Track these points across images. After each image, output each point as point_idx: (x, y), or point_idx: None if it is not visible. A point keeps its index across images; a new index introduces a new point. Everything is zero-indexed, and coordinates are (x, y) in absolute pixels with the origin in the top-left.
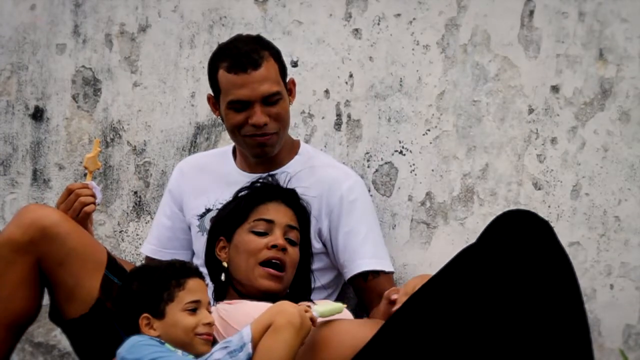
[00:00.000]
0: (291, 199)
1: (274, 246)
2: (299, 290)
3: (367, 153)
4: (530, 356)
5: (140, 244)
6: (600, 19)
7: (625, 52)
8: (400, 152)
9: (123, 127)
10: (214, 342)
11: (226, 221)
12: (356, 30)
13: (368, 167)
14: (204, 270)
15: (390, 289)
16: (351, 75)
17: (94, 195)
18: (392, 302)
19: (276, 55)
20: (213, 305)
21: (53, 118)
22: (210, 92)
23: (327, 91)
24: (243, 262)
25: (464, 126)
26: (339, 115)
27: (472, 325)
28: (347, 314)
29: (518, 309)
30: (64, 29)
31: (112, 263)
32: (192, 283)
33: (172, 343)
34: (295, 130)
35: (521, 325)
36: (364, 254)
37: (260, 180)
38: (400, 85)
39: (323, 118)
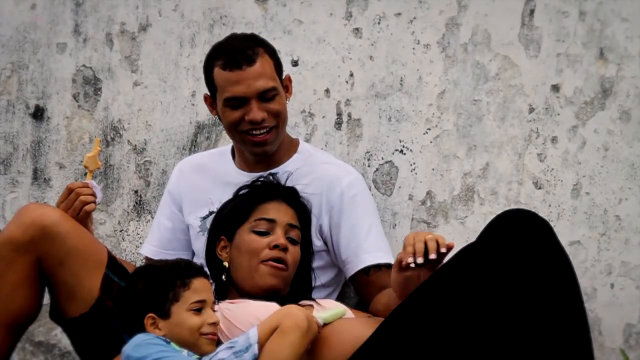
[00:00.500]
0: (292, 197)
1: (276, 246)
2: (300, 289)
3: (368, 152)
4: (530, 356)
5: (140, 243)
6: (601, 18)
7: (625, 51)
8: (401, 152)
9: (123, 126)
10: (217, 341)
11: (227, 221)
12: (357, 29)
13: (368, 166)
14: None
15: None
16: (352, 75)
17: (94, 195)
18: (405, 267)
19: (271, 51)
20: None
21: (53, 117)
22: (207, 92)
23: (327, 90)
24: (245, 262)
25: (465, 125)
26: (339, 114)
27: (472, 324)
28: (349, 315)
29: (517, 308)
30: (64, 28)
31: (113, 262)
32: (197, 283)
33: (178, 343)
34: (296, 129)
35: (521, 324)
36: (367, 248)
37: (261, 179)
38: (401, 84)
39: (323, 117)
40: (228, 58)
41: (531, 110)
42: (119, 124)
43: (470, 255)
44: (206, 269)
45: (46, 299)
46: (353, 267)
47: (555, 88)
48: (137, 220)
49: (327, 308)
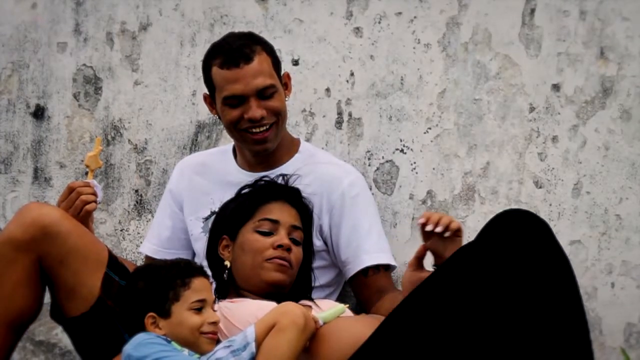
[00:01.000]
0: (295, 198)
1: (279, 246)
2: (300, 289)
3: (368, 151)
4: (530, 356)
5: (141, 243)
6: (601, 18)
7: (626, 50)
8: (401, 151)
9: (124, 126)
10: (217, 340)
11: (230, 220)
12: (357, 28)
13: (369, 165)
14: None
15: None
16: (352, 74)
17: (95, 194)
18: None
19: (268, 49)
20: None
21: (54, 116)
22: (206, 91)
23: (328, 89)
24: (249, 260)
25: (465, 124)
26: (340, 113)
27: (471, 324)
28: (348, 314)
29: (516, 308)
30: (65, 28)
31: (113, 261)
32: (198, 282)
33: (178, 342)
34: (296, 128)
35: (520, 324)
36: (367, 248)
37: (264, 179)
38: (401, 83)
39: (324, 116)
40: (226, 57)
41: (532, 109)
42: (119, 123)
43: (469, 255)
44: (207, 268)
45: (47, 299)
46: (353, 267)
47: (556, 87)
48: (137, 220)
49: (326, 301)
